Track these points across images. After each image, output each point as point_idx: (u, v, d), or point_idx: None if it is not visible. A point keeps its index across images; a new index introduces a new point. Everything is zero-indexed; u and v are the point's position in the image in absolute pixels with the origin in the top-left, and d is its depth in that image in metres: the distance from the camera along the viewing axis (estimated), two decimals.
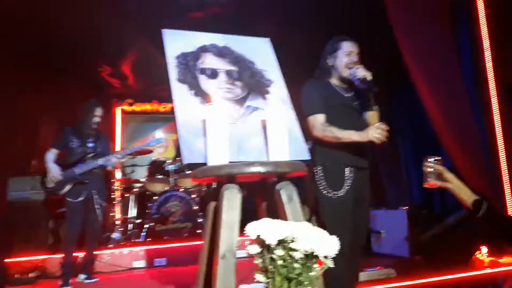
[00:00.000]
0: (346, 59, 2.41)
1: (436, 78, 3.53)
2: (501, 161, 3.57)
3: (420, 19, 3.58)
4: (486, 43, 3.58)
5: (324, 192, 2.31)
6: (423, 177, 1.85)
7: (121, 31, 4.85)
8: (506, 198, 3.52)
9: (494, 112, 3.55)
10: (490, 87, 3.56)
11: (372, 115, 2.43)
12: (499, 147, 3.57)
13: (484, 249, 3.58)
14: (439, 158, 1.80)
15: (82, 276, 3.87)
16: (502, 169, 3.54)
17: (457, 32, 3.86)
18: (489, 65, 3.56)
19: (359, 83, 2.33)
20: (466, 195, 1.75)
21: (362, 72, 2.31)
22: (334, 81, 2.48)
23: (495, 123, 3.54)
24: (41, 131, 5.95)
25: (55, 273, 4.07)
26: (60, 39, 4.82)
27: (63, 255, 3.73)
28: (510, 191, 3.52)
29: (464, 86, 3.66)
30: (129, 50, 5.54)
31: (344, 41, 2.45)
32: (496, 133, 3.55)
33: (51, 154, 3.85)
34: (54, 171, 3.74)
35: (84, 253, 3.94)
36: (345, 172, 2.31)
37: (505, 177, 3.52)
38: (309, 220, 1.82)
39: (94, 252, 4.04)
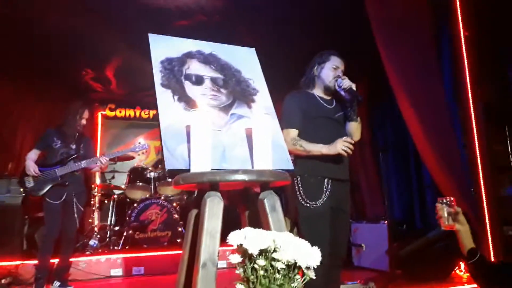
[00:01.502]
0: (332, 72, 2.48)
1: (418, 96, 3.60)
2: (480, 178, 3.63)
3: (402, 38, 3.66)
4: (465, 65, 3.69)
5: (302, 202, 2.34)
6: (436, 217, 1.84)
7: (106, 36, 4.82)
8: (485, 215, 3.58)
9: (474, 131, 3.62)
10: (470, 106, 3.64)
11: (354, 126, 2.48)
12: (479, 164, 3.64)
13: (463, 265, 3.62)
14: (452, 199, 1.81)
15: (56, 284, 3.75)
16: (482, 186, 3.60)
17: (439, 51, 3.98)
18: (468, 85, 3.65)
19: (344, 93, 2.39)
20: (468, 242, 1.78)
21: (347, 82, 2.38)
22: (318, 92, 2.53)
23: (475, 141, 3.61)
24: (18, 134, 5.82)
25: (29, 280, 3.96)
26: (42, 40, 4.75)
27: (38, 260, 3.63)
28: (487, 208, 3.57)
29: (445, 105, 3.75)
30: (113, 55, 5.48)
31: (333, 56, 2.53)
32: (477, 151, 3.62)
33: (33, 154, 3.77)
34: (33, 169, 3.65)
35: (59, 259, 3.82)
36: (324, 183, 2.34)
37: (483, 195, 3.57)
38: (290, 231, 1.81)
39: (70, 259, 3.93)
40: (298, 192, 2.37)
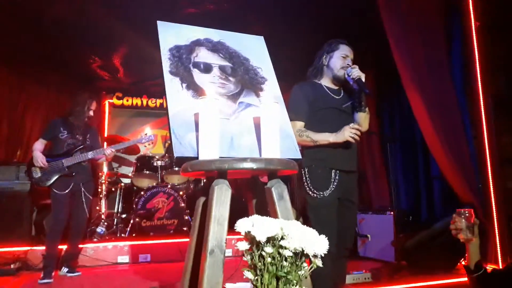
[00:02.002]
0: (341, 61, 2.47)
1: (427, 89, 3.57)
2: (489, 171, 3.60)
3: (412, 29, 3.62)
4: (476, 56, 3.64)
5: (310, 193, 2.35)
6: (451, 229, 1.81)
7: (114, 24, 4.79)
8: (492, 209, 3.56)
9: (483, 123, 3.59)
10: (480, 99, 3.60)
11: (362, 117, 2.47)
12: (487, 157, 3.61)
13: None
14: (471, 209, 1.79)
15: (64, 270, 3.82)
16: (490, 179, 3.58)
17: (450, 44, 3.93)
18: (478, 76, 3.61)
19: (353, 82, 2.37)
20: (476, 254, 1.77)
21: (357, 72, 2.36)
22: (326, 82, 2.52)
23: (485, 134, 3.58)
24: (26, 121, 5.87)
25: (37, 265, 4.02)
26: (48, 29, 4.74)
27: (46, 247, 3.68)
28: (494, 202, 3.56)
29: (455, 98, 3.71)
30: (121, 44, 5.47)
31: (342, 44, 2.52)
32: (485, 143, 3.59)
33: (39, 144, 3.80)
34: (41, 160, 3.67)
35: (67, 247, 3.88)
36: (331, 174, 2.34)
37: (491, 188, 3.55)
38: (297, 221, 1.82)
39: (79, 246, 3.99)
40: (305, 183, 2.38)
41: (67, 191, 3.70)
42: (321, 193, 2.32)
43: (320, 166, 2.36)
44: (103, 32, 4.96)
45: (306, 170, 2.39)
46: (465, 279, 3.30)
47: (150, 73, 6.33)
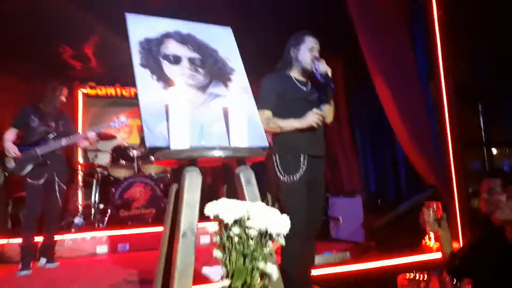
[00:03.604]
0: (308, 53, 2.58)
1: (392, 77, 3.74)
2: (450, 154, 3.81)
3: (378, 18, 3.76)
4: (438, 44, 3.80)
5: (280, 177, 2.48)
6: (419, 220, 1.93)
7: (83, 13, 4.74)
8: (453, 189, 3.77)
9: (445, 108, 3.77)
10: (442, 83, 3.78)
11: (327, 109, 2.60)
12: (449, 140, 3.81)
13: (432, 236, 3.83)
14: (439, 203, 1.91)
15: (42, 261, 3.83)
16: (451, 161, 3.79)
17: (413, 32, 4.10)
18: (440, 64, 3.79)
19: (320, 76, 2.48)
20: (448, 246, 1.91)
21: (324, 67, 2.48)
22: (295, 74, 2.63)
23: (445, 118, 3.77)
24: None
25: (14, 258, 4.01)
26: (20, 16, 4.65)
27: (22, 239, 3.68)
28: (455, 182, 3.77)
29: (418, 83, 3.88)
30: (92, 32, 5.41)
31: (308, 36, 2.62)
32: (447, 126, 3.78)
33: (10, 134, 3.73)
34: (13, 150, 3.63)
35: (44, 237, 3.88)
36: (300, 159, 2.46)
37: (452, 169, 3.76)
38: (272, 206, 1.93)
39: (55, 236, 3.99)
40: (277, 168, 2.50)
41: (41, 180, 3.68)
42: (291, 176, 2.44)
43: (290, 152, 2.49)
44: (73, 21, 4.89)
45: (277, 156, 2.52)
46: (430, 256, 3.54)
47: (122, 61, 6.26)
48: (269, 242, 1.42)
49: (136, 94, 5.43)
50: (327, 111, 2.61)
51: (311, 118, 2.41)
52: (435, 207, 1.91)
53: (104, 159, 6.12)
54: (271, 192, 4.78)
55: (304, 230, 2.35)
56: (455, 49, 3.92)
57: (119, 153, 5.67)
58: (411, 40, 3.99)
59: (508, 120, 4.90)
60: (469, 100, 4.64)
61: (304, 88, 2.61)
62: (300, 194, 2.45)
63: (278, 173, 2.49)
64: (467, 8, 4.21)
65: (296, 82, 2.60)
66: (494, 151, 5.07)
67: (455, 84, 3.85)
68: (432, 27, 3.85)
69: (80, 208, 5.63)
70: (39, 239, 3.87)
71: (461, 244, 3.61)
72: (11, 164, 3.68)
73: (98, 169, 5.90)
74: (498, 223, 1.82)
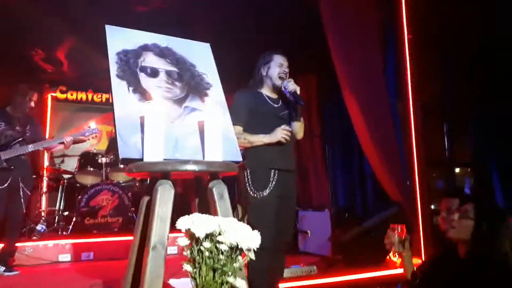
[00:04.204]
0: (278, 69, 2.66)
1: (362, 93, 3.87)
2: (415, 172, 3.95)
3: (351, 38, 3.90)
4: (407, 66, 3.98)
5: (250, 192, 2.52)
6: (385, 241, 2.01)
7: (58, 16, 4.68)
8: (417, 206, 3.91)
9: (412, 128, 3.93)
10: (409, 103, 3.94)
11: (297, 126, 2.69)
12: (415, 159, 3.96)
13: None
14: (403, 226, 2.00)
15: (1, 268, 3.69)
16: (416, 179, 3.94)
17: (385, 52, 4.27)
18: (409, 85, 3.95)
19: (289, 95, 2.56)
20: (410, 266, 2.00)
21: (292, 86, 2.56)
22: (266, 91, 2.71)
23: (412, 137, 3.92)
24: None
25: None
26: None
27: None
28: (420, 200, 3.91)
29: (387, 103, 4.04)
30: (66, 36, 5.32)
31: (276, 54, 2.71)
32: (413, 145, 3.93)
33: None
34: None
35: (4, 244, 3.75)
36: (271, 174, 2.51)
37: (417, 187, 3.90)
38: (242, 219, 1.96)
39: (16, 244, 3.87)
40: (247, 183, 2.54)
41: (4, 185, 3.59)
42: (261, 192, 2.48)
43: (260, 167, 2.53)
44: (47, 24, 4.82)
45: (248, 171, 2.56)
46: (394, 271, 3.64)
47: (95, 67, 6.18)
48: (239, 257, 1.44)
49: (108, 100, 5.37)
50: (298, 128, 2.69)
51: (279, 134, 2.48)
52: (399, 229, 2.00)
53: (71, 164, 5.97)
54: (241, 205, 4.81)
55: (271, 245, 2.37)
56: (423, 70, 4.10)
57: (87, 159, 5.56)
58: (382, 59, 4.15)
59: (471, 141, 5.14)
60: (435, 120, 4.84)
61: (275, 105, 2.67)
62: (269, 210, 2.48)
63: (248, 188, 2.53)
64: (435, 33, 4.42)
65: (266, 98, 2.67)
66: (457, 170, 5.30)
67: (422, 104, 4.01)
68: (401, 48, 4.02)
69: (44, 214, 5.47)
70: None
71: (423, 260, 3.74)
72: None
73: (64, 175, 5.76)
74: (452, 241, 1.93)
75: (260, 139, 2.52)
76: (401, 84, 4.04)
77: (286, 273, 3.26)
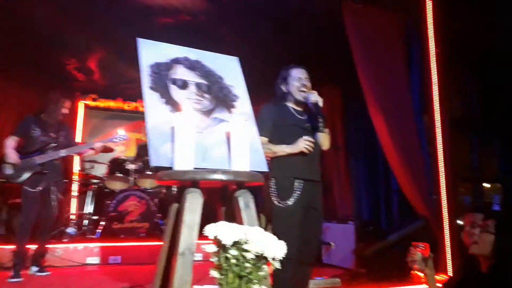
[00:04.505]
0: (297, 84, 2.69)
1: (388, 106, 3.85)
2: (442, 186, 3.89)
3: (376, 51, 3.90)
4: (434, 78, 3.94)
5: (275, 202, 2.53)
6: (407, 259, 2.01)
7: (91, 27, 4.87)
8: (444, 221, 3.84)
9: (437, 142, 3.87)
10: (435, 117, 3.89)
11: (322, 136, 2.70)
12: (440, 174, 3.90)
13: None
14: (427, 244, 2.00)
15: (33, 269, 3.84)
16: (442, 194, 3.87)
17: (410, 66, 4.25)
18: (436, 98, 3.91)
19: (312, 106, 2.59)
20: (433, 285, 2.00)
21: (314, 98, 2.59)
22: (291, 104, 2.73)
23: (438, 151, 3.87)
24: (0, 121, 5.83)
25: (5, 264, 4.01)
26: (25, 28, 4.75)
27: (16, 246, 3.69)
28: (447, 215, 3.84)
29: (413, 116, 4.01)
30: (98, 47, 5.53)
31: (293, 69, 2.74)
32: (438, 161, 3.88)
33: (11, 141, 3.79)
34: (13, 157, 3.68)
35: (37, 245, 3.90)
36: (295, 184, 2.53)
37: (444, 202, 3.83)
38: (265, 228, 2.00)
39: (47, 245, 4.01)
40: (272, 192, 2.57)
41: (38, 188, 3.72)
42: (286, 202, 2.50)
43: (285, 176, 2.55)
44: (80, 35, 5.01)
45: (272, 180, 2.59)
46: (419, 286, 3.58)
47: (125, 76, 6.41)
48: (265, 266, 1.48)
49: (137, 108, 5.54)
50: (323, 139, 2.70)
51: (301, 144, 2.50)
52: (422, 247, 1.98)
53: (100, 170, 6.17)
54: (265, 214, 4.83)
55: (296, 255, 2.38)
56: (450, 82, 4.05)
57: (116, 165, 5.72)
58: (407, 72, 4.13)
59: (499, 156, 5.02)
60: (462, 134, 4.76)
61: (300, 117, 2.70)
62: (293, 219, 2.49)
63: (273, 197, 2.56)
64: (463, 43, 4.37)
65: (292, 110, 2.70)
66: (486, 185, 5.17)
67: (450, 117, 3.96)
68: (428, 61, 3.98)
69: (73, 218, 5.65)
70: (30, 246, 3.88)
71: (449, 276, 3.66)
72: (8, 170, 3.72)
73: (94, 180, 5.94)
74: (475, 256, 1.91)
75: (283, 149, 2.55)
76: (427, 97, 4.00)
77: (310, 284, 3.26)
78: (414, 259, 2.00)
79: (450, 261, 3.79)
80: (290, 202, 2.50)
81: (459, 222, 3.99)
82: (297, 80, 2.69)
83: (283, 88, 2.74)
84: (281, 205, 2.51)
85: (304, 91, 2.65)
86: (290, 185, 2.53)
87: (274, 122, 2.60)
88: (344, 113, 5.76)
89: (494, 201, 4.92)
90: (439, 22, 3.94)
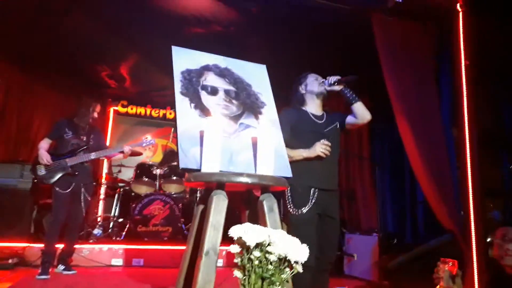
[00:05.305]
0: (316, 82, 2.73)
1: (416, 120, 3.80)
2: (470, 202, 3.80)
3: (405, 62, 3.88)
4: (464, 91, 3.87)
5: (290, 209, 2.54)
6: (434, 275, 1.98)
7: (124, 36, 5.04)
8: (471, 237, 3.75)
9: (466, 156, 3.79)
10: (465, 130, 3.82)
11: (358, 107, 2.66)
12: (469, 187, 3.81)
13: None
14: (455, 261, 1.97)
15: (61, 267, 3.96)
16: (471, 209, 3.78)
17: (439, 78, 4.19)
18: (465, 111, 3.83)
19: (337, 85, 2.62)
20: None
21: (333, 78, 2.63)
22: (310, 108, 2.74)
23: (467, 165, 3.78)
24: (34, 122, 6.08)
25: (34, 262, 4.17)
26: (61, 35, 4.96)
27: (45, 244, 3.82)
28: (474, 230, 3.73)
29: (441, 128, 3.94)
30: (130, 55, 5.71)
31: (309, 74, 2.79)
32: (468, 174, 3.79)
33: (45, 143, 3.96)
34: (46, 158, 3.84)
35: (64, 245, 4.03)
36: (310, 192, 2.53)
37: (472, 217, 3.73)
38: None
39: (75, 245, 4.14)
40: (287, 200, 2.57)
41: (68, 190, 3.86)
42: (300, 210, 2.51)
43: (300, 185, 2.54)
44: (113, 43, 5.19)
45: (288, 188, 2.56)
46: None
47: (155, 84, 6.60)
48: (287, 269, 1.51)
49: (164, 115, 5.72)
50: (360, 109, 2.66)
51: (318, 148, 2.48)
52: (450, 263, 1.94)
53: (127, 174, 6.33)
54: (285, 222, 4.84)
55: (313, 264, 2.35)
56: (480, 95, 3.97)
57: (143, 169, 5.86)
58: (436, 84, 4.08)
59: None
60: (492, 148, 4.65)
61: (319, 121, 2.70)
62: (308, 228, 2.48)
63: (288, 205, 2.56)
64: (495, 55, 4.29)
65: (310, 115, 2.71)
66: None
67: (479, 132, 3.88)
68: (458, 74, 3.92)
69: (100, 219, 5.80)
70: (58, 245, 4.01)
71: None
72: (41, 171, 3.87)
73: (121, 184, 6.10)
74: (508, 270, 1.86)
75: (300, 153, 2.54)
76: (457, 110, 3.93)
77: None
78: (441, 275, 1.97)
79: (477, 277, 3.69)
80: (304, 210, 2.51)
81: (489, 239, 3.89)
82: (315, 80, 2.73)
83: (302, 90, 2.76)
84: (295, 213, 2.52)
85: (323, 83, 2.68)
86: (306, 193, 2.54)
87: (291, 127, 2.60)
88: (370, 123, 5.72)
89: None
90: (470, 33, 3.88)
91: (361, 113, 2.67)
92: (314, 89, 2.72)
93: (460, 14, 3.94)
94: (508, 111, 4.82)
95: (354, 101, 2.64)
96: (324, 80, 2.69)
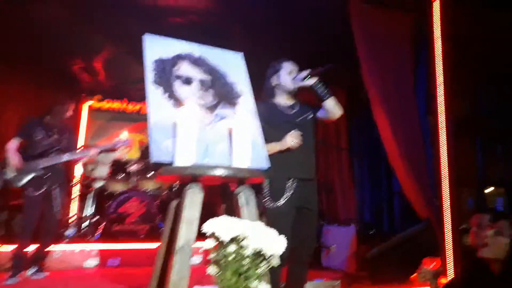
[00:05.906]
0: (289, 77, 2.65)
1: (392, 108, 3.82)
2: (443, 189, 3.85)
3: (382, 52, 3.89)
4: (440, 79, 3.90)
5: (267, 202, 2.49)
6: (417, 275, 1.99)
7: (97, 27, 4.88)
8: (444, 224, 3.80)
9: (441, 144, 3.84)
10: (439, 119, 3.86)
11: (331, 103, 2.60)
12: (442, 176, 3.86)
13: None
14: (438, 259, 1.98)
15: (32, 270, 3.79)
16: (443, 196, 3.83)
17: (415, 65, 4.22)
18: (440, 99, 3.87)
19: (308, 81, 2.55)
20: None
21: (304, 73, 2.57)
22: (280, 100, 2.69)
23: (441, 153, 3.83)
24: (3, 119, 5.81)
25: (4, 265, 3.96)
26: (31, 26, 4.75)
27: (16, 247, 3.64)
28: (449, 218, 3.80)
29: (417, 117, 3.98)
30: (103, 47, 5.54)
31: (285, 62, 2.70)
32: (441, 163, 3.84)
33: (14, 143, 3.71)
34: (16, 161, 3.63)
35: (37, 247, 3.86)
36: (287, 183, 2.49)
37: (446, 204, 3.79)
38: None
39: (48, 248, 3.98)
40: (265, 192, 2.52)
41: (40, 192, 3.68)
42: (276, 202, 2.46)
43: (277, 176, 2.48)
44: (86, 35, 5.02)
45: (265, 181, 2.51)
46: None
47: (131, 77, 6.41)
48: (263, 263, 1.46)
49: (142, 109, 5.55)
50: (332, 105, 2.60)
51: (289, 140, 2.45)
52: (434, 264, 1.98)
53: (102, 171, 6.15)
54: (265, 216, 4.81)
55: (289, 255, 2.30)
56: (456, 84, 4.01)
57: (118, 167, 5.71)
58: (412, 73, 4.10)
59: (504, 160, 4.99)
60: (466, 137, 4.74)
61: (290, 112, 2.65)
62: (285, 220, 2.43)
63: (265, 197, 2.51)
64: (471, 45, 4.35)
65: (281, 107, 2.66)
66: (489, 189, 5.13)
67: (454, 120, 3.92)
68: (434, 61, 3.95)
69: (73, 219, 5.63)
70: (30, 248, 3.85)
71: (450, 280, 3.62)
72: (9, 174, 3.68)
73: (95, 182, 5.92)
74: (484, 259, 1.88)
75: (273, 147, 2.47)
76: (432, 99, 3.97)
77: (308, 286, 3.22)
78: (426, 277, 2.00)
79: (452, 264, 3.75)
80: (280, 202, 2.46)
81: (463, 226, 3.96)
82: (289, 73, 2.66)
83: (273, 81, 2.70)
84: (271, 206, 2.47)
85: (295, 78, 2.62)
86: (282, 184, 2.49)
87: (265, 121, 2.48)
88: (348, 115, 5.74)
89: (497, 204, 4.88)
90: (446, 22, 3.90)
91: (332, 109, 2.63)
92: (285, 84, 2.66)
93: (437, 1, 3.96)
94: (484, 99, 4.91)
95: (325, 97, 2.59)
96: (296, 75, 2.63)
